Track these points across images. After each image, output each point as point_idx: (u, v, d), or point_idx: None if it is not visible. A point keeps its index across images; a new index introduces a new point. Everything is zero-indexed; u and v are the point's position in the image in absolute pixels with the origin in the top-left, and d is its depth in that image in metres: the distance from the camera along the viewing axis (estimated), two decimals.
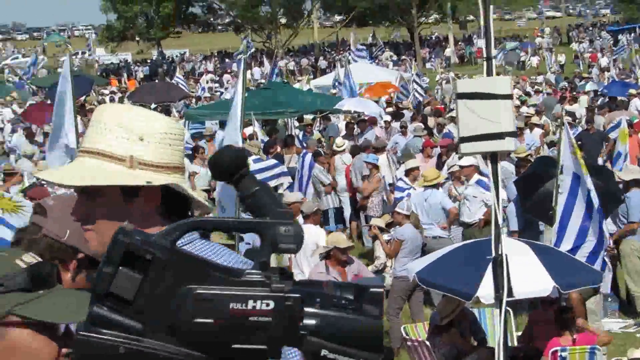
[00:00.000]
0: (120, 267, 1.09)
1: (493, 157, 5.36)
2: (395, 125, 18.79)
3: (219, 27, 78.02)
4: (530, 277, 6.42)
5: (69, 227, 2.23)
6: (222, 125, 15.88)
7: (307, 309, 1.08)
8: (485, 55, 5.61)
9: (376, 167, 12.92)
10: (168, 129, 1.95)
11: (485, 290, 6.11)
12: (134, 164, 1.88)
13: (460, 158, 11.08)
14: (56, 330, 1.43)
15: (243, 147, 14.42)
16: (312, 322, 1.07)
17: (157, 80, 44.90)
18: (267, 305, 1.07)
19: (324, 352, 1.06)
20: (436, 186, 11.00)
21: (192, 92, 31.94)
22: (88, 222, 1.91)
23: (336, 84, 23.80)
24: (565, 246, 7.94)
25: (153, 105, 22.22)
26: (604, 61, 40.27)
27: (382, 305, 1.09)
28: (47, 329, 1.43)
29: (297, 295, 1.08)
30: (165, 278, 1.10)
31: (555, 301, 7.71)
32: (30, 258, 1.51)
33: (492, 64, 5.46)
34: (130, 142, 1.88)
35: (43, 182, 11.59)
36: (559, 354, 7.35)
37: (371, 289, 1.11)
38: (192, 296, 1.08)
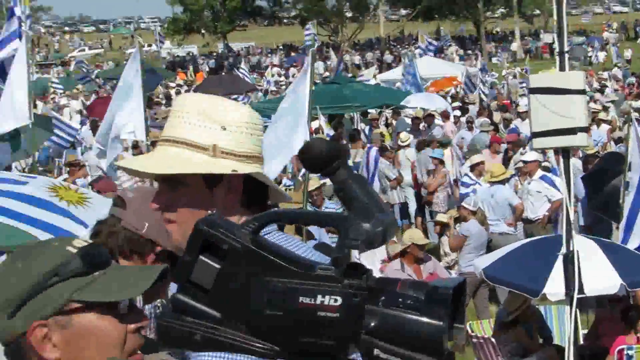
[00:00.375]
0: (200, 256, 1.13)
1: (565, 153, 5.33)
2: (462, 120, 18.69)
3: (285, 21, 78.44)
4: (599, 275, 6.33)
5: (148, 220, 2.23)
6: None
7: (368, 307, 1.07)
8: (558, 50, 5.56)
9: (442, 162, 12.89)
10: (249, 119, 1.94)
11: (553, 287, 6.07)
12: (217, 153, 1.86)
13: (533, 151, 10.84)
14: (119, 307, 1.42)
15: (336, 139, 14.68)
16: (371, 320, 1.06)
17: (223, 73, 45.40)
18: (335, 301, 1.07)
19: (376, 351, 1.06)
20: (502, 182, 10.90)
21: (259, 85, 32.17)
22: (170, 211, 1.89)
23: (402, 78, 23.70)
24: (633, 244, 7.86)
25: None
26: None
27: (448, 306, 1.06)
28: (110, 309, 1.42)
29: (365, 292, 1.07)
30: (241, 268, 1.13)
31: (622, 299, 7.60)
32: (81, 242, 1.50)
33: (564, 58, 5.42)
34: (213, 131, 1.86)
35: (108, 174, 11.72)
36: (625, 352, 7.26)
37: (440, 289, 1.09)
38: (264, 288, 1.10)
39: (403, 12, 74.14)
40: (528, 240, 8.61)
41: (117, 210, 2.45)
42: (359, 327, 1.07)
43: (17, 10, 10.99)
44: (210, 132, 1.85)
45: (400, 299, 1.07)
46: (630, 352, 7.29)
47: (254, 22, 79.54)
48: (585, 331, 8.18)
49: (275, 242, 1.64)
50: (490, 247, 9.42)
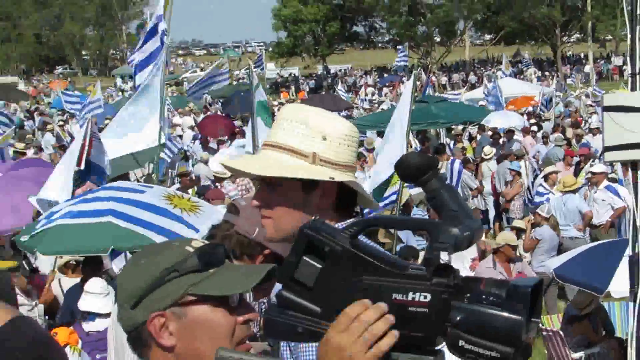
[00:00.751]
0: (304, 257, 1.15)
1: (634, 165, 5.30)
2: (538, 135, 18.46)
3: (379, 45, 78.30)
4: None
5: (258, 225, 2.16)
6: (380, 135, 15.86)
7: (454, 303, 1.08)
8: (630, 72, 5.52)
9: (518, 173, 12.83)
10: (348, 131, 1.89)
11: (618, 285, 6.03)
12: (316, 161, 1.82)
13: (600, 164, 11.26)
14: (230, 301, 1.41)
15: (430, 151, 14.80)
16: (457, 315, 1.06)
17: (322, 93, 45.89)
18: (425, 297, 1.08)
19: (461, 342, 1.06)
20: (574, 191, 10.85)
21: (354, 104, 32.33)
22: (267, 208, 1.86)
23: (485, 96, 23.54)
24: None
25: None
26: None
27: (527, 303, 1.05)
28: (221, 302, 1.40)
29: (452, 290, 1.07)
30: (340, 268, 1.14)
31: None
32: (199, 243, 1.49)
33: (636, 79, 5.38)
34: (314, 140, 1.82)
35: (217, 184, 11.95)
36: None
37: (519, 288, 1.08)
38: (362, 285, 1.12)
39: (487, 37, 73.45)
40: (595, 243, 8.65)
41: (231, 216, 2.44)
42: (446, 321, 1.07)
43: (161, 26, 9.78)
44: (312, 141, 1.82)
45: (484, 296, 1.06)
46: None
47: (351, 46, 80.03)
48: None
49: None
50: (560, 250, 9.45)
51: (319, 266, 1.15)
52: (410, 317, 1.10)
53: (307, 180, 1.76)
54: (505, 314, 1.03)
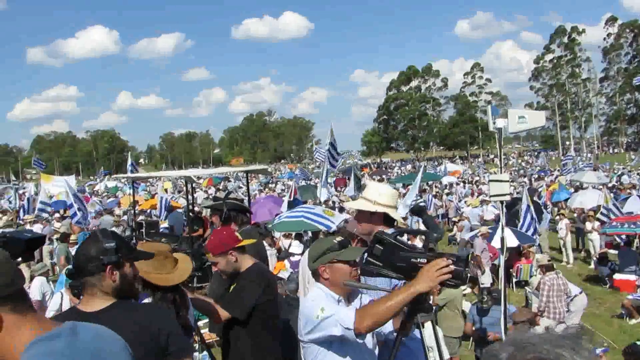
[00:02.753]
0: (375, 244, 2.87)
1: None
2: None
3: None
4: None
5: (355, 227, 4.18)
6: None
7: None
8: None
9: None
10: (391, 192, 4.02)
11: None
12: (375, 203, 3.89)
13: None
14: (350, 262, 3.19)
15: None
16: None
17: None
18: (424, 260, 2.72)
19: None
20: None
21: None
22: (359, 222, 4.03)
23: None
24: None
25: None
26: None
27: (465, 263, 2.75)
28: (347, 262, 3.16)
29: (434, 257, 2.75)
30: (390, 249, 2.81)
31: None
32: (339, 238, 3.27)
33: None
34: (375, 195, 3.94)
35: None
36: None
37: (462, 257, 2.76)
38: (399, 255, 2.79)
39: None
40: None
41: (345, 224, 5.83)
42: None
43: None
44: (374, 195, 3.96)
45: (453, 259, 2.69)
46: None
47: None
48: None
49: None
50: None
51: (382, 248, 2.70)
52: (419, 267, 2.66)
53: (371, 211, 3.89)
54: (456, 267, 2.65)
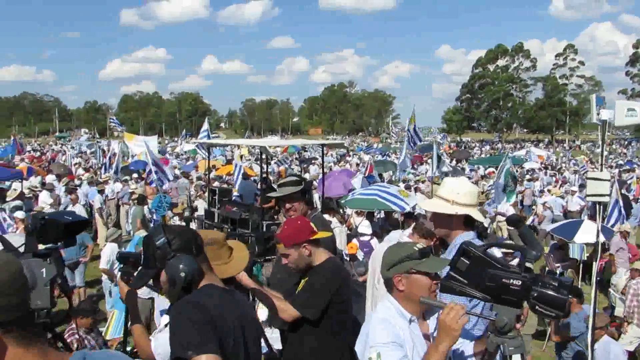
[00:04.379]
0: (461, 257, 2.34)
1: None
2: None
3: None
4: None
5: (432, 226, 3.99)
6: None
7: (534, 287, 2.16)
8: None
9: None
10: (469, 190, 3.56)
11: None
12: (453, 203, 3.47)
13: None
14: (431, 274, 2.72)
15: None
16: (534, 293, 2.15)
17: None
18: (519, 282, 2.18)
19: (536, 307, 2.12)
20: None
21: None
22: (435, 222, 3.69)
23: None
24: None
25: None
26: None
27: (570, 288, 2.11)
28: (427, 274, 2.71)
29: (531, 280, 2.16)
30: (478, 264, 2.28)
31: None
32: (420, 245, 2.79)
33: None
34: (453, 194, 3.50)
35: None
36: None
37: (565, 280, 2.16)
38: (487, 273, 2.26)
39: None
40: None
41: (423, 221, 4.68)
42: (529, 294, 2.15)
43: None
44: (452, 195, 3.51)
45: (547, 284, 2.14)
46: None
47: None
48: None
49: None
50: None
51: (468, 262, 2.23)
52: (510, 290, 2.17)
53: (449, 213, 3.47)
54: (557, 295, 2.07)
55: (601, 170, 5.11)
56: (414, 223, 11.60)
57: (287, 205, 4.87)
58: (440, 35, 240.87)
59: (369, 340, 2.66)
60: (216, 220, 14.69)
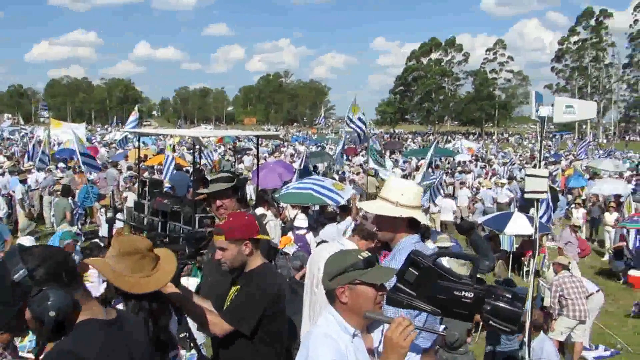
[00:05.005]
0: (409, 267, 2.21)
1: None
2: None
3: None
4: None
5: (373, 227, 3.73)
6: None
7: (487, 300, 2.03)
8: None
9: None
10: (415, 190, 3.35)
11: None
12: (398, 205, 3.25)
13: None
14: (376, 285, 2.45)
15: None
16: (487, 307, 2.02)
17: None
18: (471, 294, 2.03)
19: (490, 321, 2.00)
20: None
21: None
22: (378, 225, 3.40)
23: None
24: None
25: None
26: None
27: (524, 303, 2.06)
28: (372, 285, 2.43)
29: (484, 292, 2.05)
30: (427, 275, 2.15)
31: None
32: (366, 254, 2.52)
33: None
34: (397, 195, 3.27)
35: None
36: None
37: (519, 294, 2.05)
38: (437, 285, 2.11)
39: None
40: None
41: (364, 223, 4.87)
42: (480, 307, 2.03)
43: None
44: (396, 195, 3.28)
45: (500, 297, 2.02)
46: None
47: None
48: None
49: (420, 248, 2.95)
50: None
51: (416, 273, 2.12)
52: (462, 303, 2.04)
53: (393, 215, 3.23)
54: (512, 308, 1.96)
55: (539, 166, 5.07)
56: (349, 217, 11.49)
57: (218, 203, 4.56)
58: (376, 27, 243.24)
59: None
60: (146, 213, 14.29)
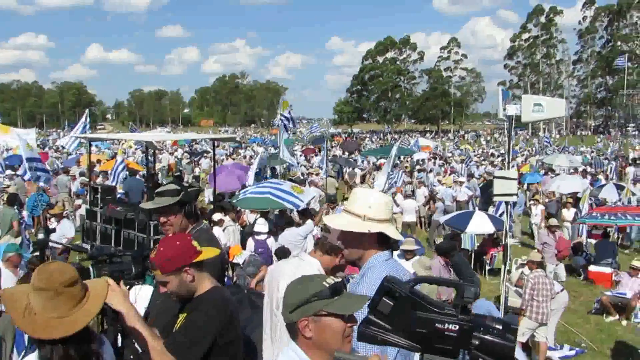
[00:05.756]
0: (383, 297, 1.80)
1: None
2: None
3: None
4: None
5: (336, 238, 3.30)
6: None
7: (474, 333, 1.68)
8: None
9: None
10: (384, 201, 3.01)
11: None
12: (365, 219, 2.91)
13: None
14: (345, 316, 2.17)
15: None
16: (476, 341, 1.68)
17: None
18: (455, 327, 1.69)
19: (480, 359, 1.67)
20: None
21: None
22: (344, 242, 3.04)
23: None
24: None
25: None
26: None
27: (516, 333, 1.67)
28: (340, 316, 2.15)
29: (471, 324, 1.70)
30: (404, 306, 1.78)
31: None
32: (332, 281, 2.21)
33: None
34: (365, 208, 2.93)
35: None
36: None
37: (512, 324, 1.72)
38: (416, 317, 1.74)
39: None
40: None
41: (326, 234, 3.99)
42: (468, 342, 1.69)
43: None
44: (363, 208, 2.93)
45: (489, 329, 1.70)
46: None
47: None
48: None
49: (391, 268, 2.76)
50: None
51: (391, 303, 1.80)
52: (445, 337, 1.72)
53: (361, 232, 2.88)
54: (504, 342, 1.68)
55: (508, 168, 4.84)
56: (309, 220, 11.13)
57: (162, 219, 4.17)
58: (331, 27, 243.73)
59: None
60: (99, 221, 13.78)
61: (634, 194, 18.73)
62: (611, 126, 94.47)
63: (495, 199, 4.67)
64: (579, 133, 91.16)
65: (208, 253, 3.14)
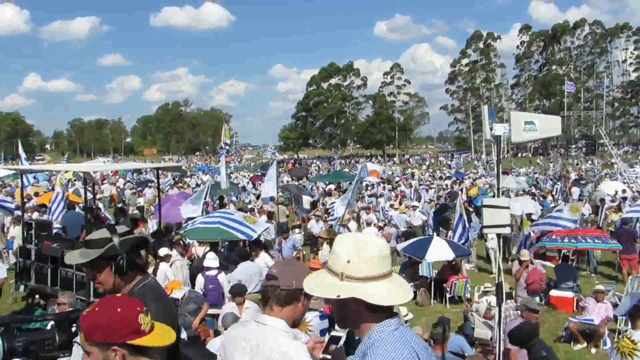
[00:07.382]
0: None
1: None
2: None
3: None
4: None
5: (294, 280, 2.60)
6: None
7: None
8: None
9: None
10: (375, 253, 2.20)
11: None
12: (343, 278, 2.17)
13: None
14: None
15: None
16: None
17: None
18: None
19: None
20: None
21: None
22: (333, 312, 2.41)
23: None
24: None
25: None
26: None
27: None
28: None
29: None
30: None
31: None
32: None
33: None
34: (342, 264, 2.19)
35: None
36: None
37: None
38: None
39: None
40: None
41: (272, 281, 2.70)
42: None
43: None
44: (340, 264, 2.19)
45: None
46: None
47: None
48: None
49: (402, 344, 2.09)
50: None
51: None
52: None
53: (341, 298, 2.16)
54: None
55: (498, 195, 4.27)
56: (262, 252, 10.33)
57: (90, 275, 3.28)
58: (274, 55, 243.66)
59: None
60: (33, 259, 12.69)
61: (583, 214, 18.68)
62: (550, 147, 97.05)
63: (485, 230, 4.11)
64: (518, 154, 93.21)
65: (153, 339, 2.17)
